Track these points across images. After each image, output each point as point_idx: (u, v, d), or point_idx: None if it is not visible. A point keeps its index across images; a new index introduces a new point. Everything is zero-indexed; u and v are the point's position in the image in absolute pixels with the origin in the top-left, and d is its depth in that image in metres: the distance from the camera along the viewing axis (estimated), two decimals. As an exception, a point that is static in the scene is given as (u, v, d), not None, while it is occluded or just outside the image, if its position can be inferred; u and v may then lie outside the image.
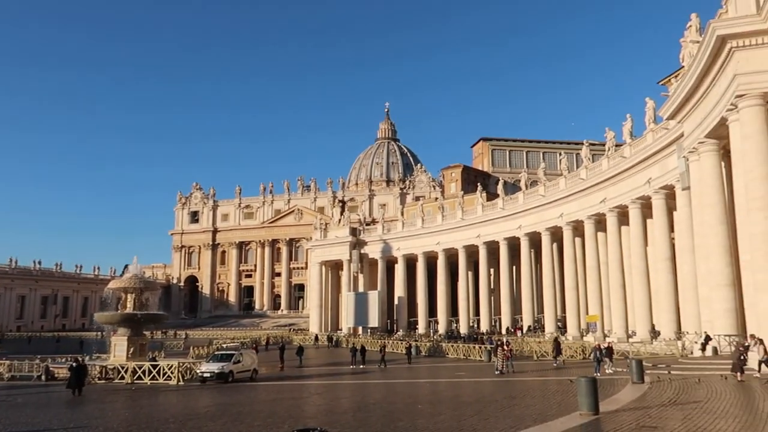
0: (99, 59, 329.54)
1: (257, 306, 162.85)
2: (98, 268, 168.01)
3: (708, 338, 37.57)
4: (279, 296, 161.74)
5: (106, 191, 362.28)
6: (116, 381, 39.48)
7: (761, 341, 28.65)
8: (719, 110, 34.44)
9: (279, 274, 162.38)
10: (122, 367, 40.11)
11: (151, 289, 48.88)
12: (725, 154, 37.32)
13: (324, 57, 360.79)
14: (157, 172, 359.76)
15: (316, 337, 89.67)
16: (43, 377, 42.07)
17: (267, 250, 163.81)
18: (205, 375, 38.25)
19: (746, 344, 29.38)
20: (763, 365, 27.78)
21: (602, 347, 38.55)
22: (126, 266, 69.89)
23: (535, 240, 78.20)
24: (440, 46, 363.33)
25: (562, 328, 73.29)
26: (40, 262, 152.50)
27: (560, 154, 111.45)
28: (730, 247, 36.82)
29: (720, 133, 36.25)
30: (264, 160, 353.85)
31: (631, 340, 54.57)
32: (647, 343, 50.95)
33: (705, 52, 33.47)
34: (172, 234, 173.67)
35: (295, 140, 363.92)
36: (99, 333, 48.50)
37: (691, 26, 38.66)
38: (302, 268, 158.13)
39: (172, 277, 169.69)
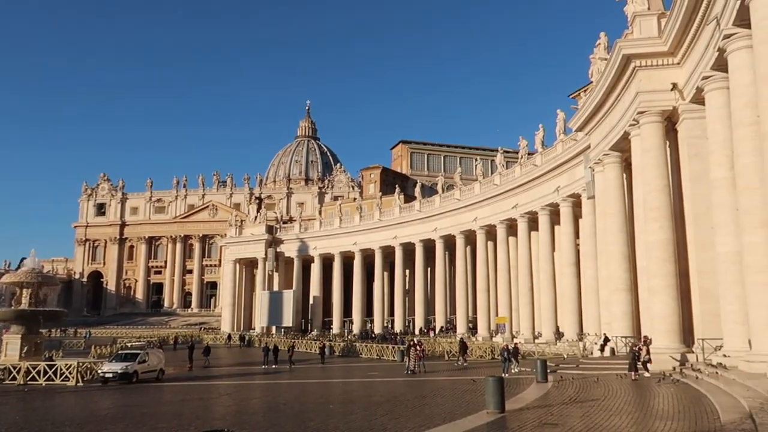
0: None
1: (166, 304, 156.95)
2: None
3: (607, 339, 39.84)
4: (190, 294, 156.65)
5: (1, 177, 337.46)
6: (7, 382, 36.76)
7: (646, 343, 30.87)
8: (623, 125, 36.67)
9: (191, 271, 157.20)
10: (14, 367, 37.44)
11: (49, 285, 45.90)
12: (627, 166, 39.77)
13: (245, 51, 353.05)
14: (61, 160, 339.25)
15: (229, 337, 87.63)
16: None
17: (179, 246, 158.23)
18: (107, 375, 36.36)
19: (639, 345, 31.39)
20: (645, 365, 29.80)
21: (509, 348, 40.00)
22: (23, 259, 65.68)
23: (449, 242, 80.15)
24: (363, 44, 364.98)
25: (473, 328, 75.54)
26: None
27: (476, 160, 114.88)
28: (628, 254, 39.28)
29: (623, 147, 38.61)
30: (178, 154, 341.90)
31: (537, 341, 57.12)
32: (552, 344, 53.46)
33: (611, 70, 35.55)
34: (75, 227, 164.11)
35: (212, 134, 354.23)
36: (-10, 331, 45.00)
37: (600, 44, 40.96)
38: (215, 265, 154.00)
39: (75, 272, 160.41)
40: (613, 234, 39.88)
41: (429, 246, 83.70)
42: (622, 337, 37.82)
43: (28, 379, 36.41)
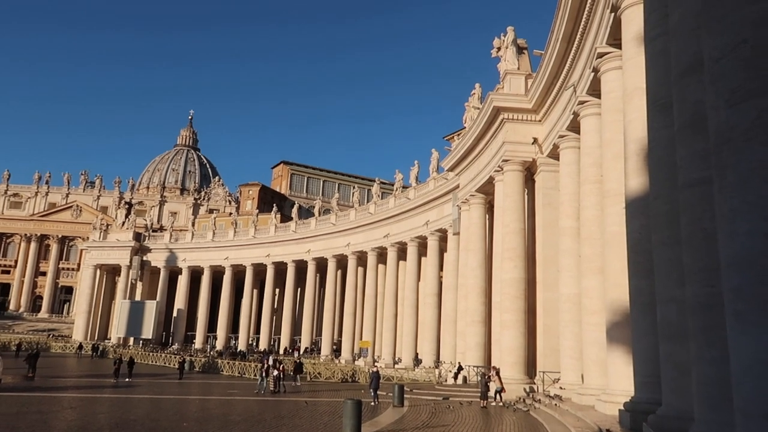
0: None
1: (12, 306, 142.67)
2: None
3: (460, 368, 42.33)
4: (41, 297, 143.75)
5: None
6: None
7: (498, 372, 33.31)
8: (489, 170, 39.81)
9: (44, 274, 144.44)
10: None
11: None
12: (490, 207, 43.02)
13: (130, 57, 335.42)
14: None
15: (80, 346, 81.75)
16: None
17: (33, 245, 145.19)
18: (-70, 382, 33.05)
19: (488, 375, 33.66)
20: (498, 394, 32.15)
21: (378, 372, 40.29)
22: None
23: (322, 265, 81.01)
24: (253, 64, 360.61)
25: (337, 351, 76.43)
26: None
27: (354, 188, 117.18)
28: (485, 289, 42.19)
29: (487, 189, 41.80)
30: (44, 148, 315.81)
31: (396, 366, 59.10)
32: (410, 370, 55.58)
33: (483, 118, 38.68)
34: None
35: (86, 138, 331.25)
36: None
37: (474, 94, 44.41)
38: (73, 269, 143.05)
39: None
40: (473, 269, 42.74)
41: (301, 267, 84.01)
42: (474, 366, 40.34)
43: None
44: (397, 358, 62.20)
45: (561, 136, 31.89)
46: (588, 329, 25.39)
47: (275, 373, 40.95)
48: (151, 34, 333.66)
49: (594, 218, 26.24)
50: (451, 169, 47.81)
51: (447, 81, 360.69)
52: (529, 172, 37.79)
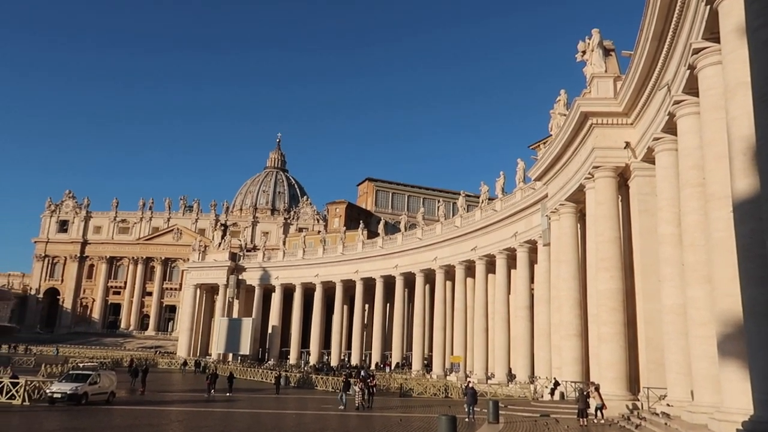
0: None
1: (123, 325, 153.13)
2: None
3: (557, 383, 40.87)
4: (148, 316, 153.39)
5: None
6: (-52, 398, 35.87)
7: (597, 388, 31.84)
8: (579, 177, 38.52)
9: (150, 294, 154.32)
10: (-43, 384, 36.52)
11: (3, 299, 45.39)
12: (581, 216, 41.57)
13: (220, 79, 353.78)
14: (25, 175, 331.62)
15: (185, 362, 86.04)
16: None
17: (140, 267, 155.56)
18: (56, 395, 35.63)
19: (587, 391, 32.25)
20: (599, 411, 30.73)
21: (473, 387, 39.33)
22: (-24, 273, 63.83)
23: (409, 280, 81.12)
24: (338, 81, 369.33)
25: (428, 366, 76.04)
26: None
27: (439, 202, 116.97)
28: (580, 300, 40.63)
29: (578, 198, 40.44)
30: (147, 177, 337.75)
31: (489, 381, 57.95)
32: (504, 385, 54.33)
33: (570, 125, 37.55)
34: (35, 242, 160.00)
35: (181, 159, 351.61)
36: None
37: (560, 100, 43.23)
38: (176, 289, 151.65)
39: (30, 288, 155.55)
40: (566, 281, 41.33)
41: (389, 282, 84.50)
42: (571, 381, 38.83)
43: (-30, 396, 35.51)
44: (489, 373, 61.02)
45: (656, 139, 30.46)
46: (696, 342, 24.00)
47: (357, 388, 40.91)
48: (240, 58, 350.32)
49: (697, 224, 24.85)
50: (539, 178, 46.69)
51: (530, 89, 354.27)
52: (622, 178, 36.30)
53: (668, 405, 26.85)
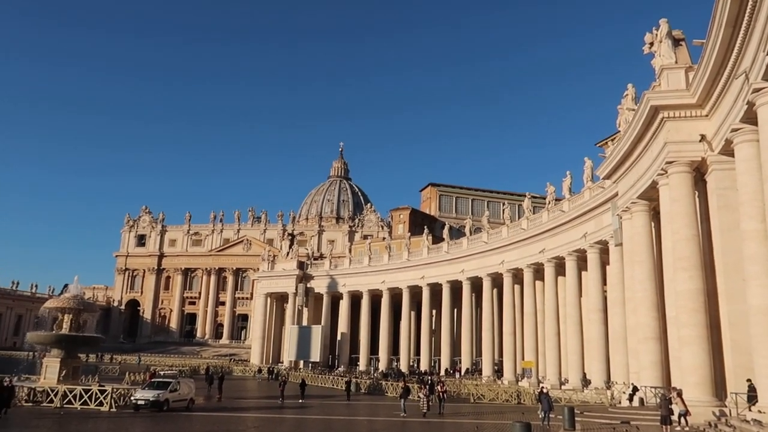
0: (58, 61, 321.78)
1: (199, 334, 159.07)
2: (36, 286, 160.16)
3: (635, 389, 39.30)
4: (222, 325, 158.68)
5: (50, 206, 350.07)
6: (44, 404, 38.19)
7: (680, 394, 30.38)
8: (651, 174, 37.07)
9: (223, 303, 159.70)
10: (52, 390, 38.85)
11: (89, 311, 47.62)
12: (655, 214, 39.95)
13: (284, 94, 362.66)
14: (105, 192, 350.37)
15: (259, 370, 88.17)
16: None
17: (213, 278, 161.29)
18: (140, 402, 37.43)
19: (669, 397, 30.83)
20: (682, 418, 29.31)
21: (547, 392, 38.37)
22: (66, 285, 67.76)
23: (476, 284, 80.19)
24: (396, 92, 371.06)
25: (498, 371, 74.87)
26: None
27: (503, 204, 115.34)
28: (657, 302, 39.00)
29: (651, 195, 38.90)
30: (216, 190, 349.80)
31: (563, 387, 56.40)
32: (579, 391, 52.79)
33: (639, 120, 36.21)
34: (116, 256, 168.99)
35: (248, 172, 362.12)
36: (31, 353, 46.55)
37: (627, 95, 41.77)
38: (247, 298, 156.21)
39: (113, 300, 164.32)
40: (641, 282, 39.81)
41: (456, 287, 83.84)
42: (651, 387, 37.31)
43: (64, 402, 37.68)
44: (563, 379, 59.41)
45: (734, 130, 28.96)
46: (790, 345, 22.52)
47: (422, 394, 40.76)
48: (302, 66, 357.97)
49: (785, 219, 23.42)
50: (608, 176, 45.22)
51: (594, 86, 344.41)
52: (699, 173, 34.69)
53: (760, 411, 25.43)
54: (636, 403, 38.27)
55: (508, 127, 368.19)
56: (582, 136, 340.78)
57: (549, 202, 65.41)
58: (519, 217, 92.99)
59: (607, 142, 62.49)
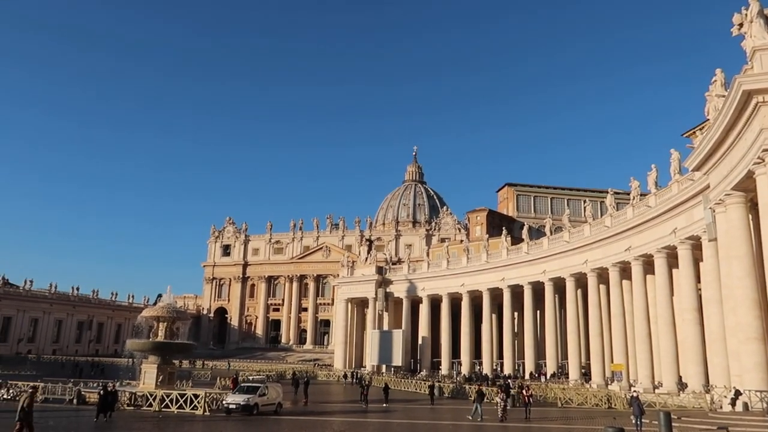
0: (142, 91, 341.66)
1: (283, 340, 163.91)
2: (132, 296, 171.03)
3: (738, 393, 36.95)
4: (305, 331, 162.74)
5: (144, 220, 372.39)
6: (144, 408, 40.40)
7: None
8: (746, 163, 34.77)
9: (306, 309, 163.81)
10: (151, 395, 41.08)
11: (182, 319, 50.09)
12: (753, 206, 37.44)
13: (356, 100, 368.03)
14: (192, 204, 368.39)
15: (344, 375, 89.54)
16: (74, 401, 43.23)
17: (295, 285, 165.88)
18: (231, 406, 38.95)
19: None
20: None
21: (638, 397, 36.59)
22: (160, 295, 71.78)
23: (559, 285, 77.93)
24: (469, 93, 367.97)
25: (586, 375, 72.38)
26: (77, 288, 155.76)
27: (585, 202, 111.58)
28: (759, 300, 36.47)
29: (747, 186, 36.47)
30: (294, 198, 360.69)
31: (657, 391, 53.73)
32: (674, 395, 50.15)
33: (731, 107, 34.07)
34: (204, 266, 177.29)
35: (325, 180, 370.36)
36: (130, 359, 49.52)
37: (716, 81, 39.40)
38: (328, 304, 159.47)
39: (203, 308, 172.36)
40: (739, 278, 37.35)
41: (538, 288, 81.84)
42: (756, 391, 34.90)
43: (162, 406, 39.75)
44: (656, 382, 56.58)
45: (840, 112, 26.69)
46: None
47: (499, 399, 40.01)
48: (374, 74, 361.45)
49: None
50: (697, 168, 42.76)
51: (678, 74, 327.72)
52: (801, 160, 32.16)
53: None
54: (739, 408, 35.91)
55: (586, 121, 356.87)
56: (665, 128, 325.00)
57: (634, 198, 62.62)
58: (601, 215, 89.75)
59: (695, 132, 59.20)
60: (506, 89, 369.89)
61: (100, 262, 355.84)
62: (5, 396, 44.45)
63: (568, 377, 72.55)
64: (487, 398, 52.99)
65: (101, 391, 36.18)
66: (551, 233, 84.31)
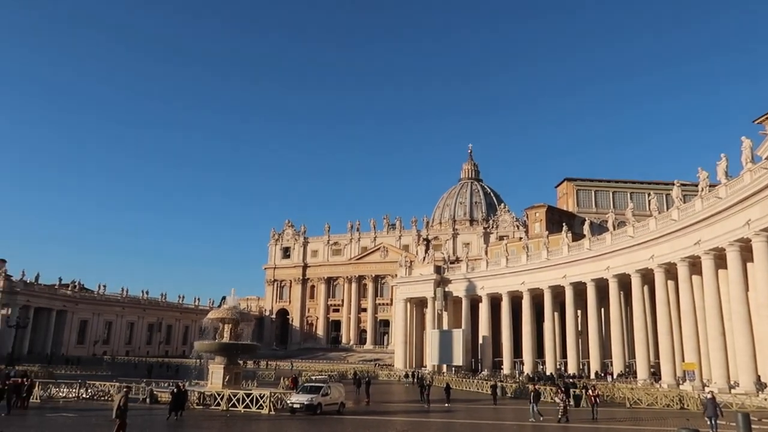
0: (211, 99, 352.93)
1: (344, 340, 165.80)
2: (198, 299, 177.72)
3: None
4: (365, 331, 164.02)
5: (208, 224, 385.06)
6: (212, 407, 41.61)
7: None
8: (825, 150, 32.83)
9: (365, 310, 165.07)
10: (218, 394, 42.30)
11: (246, 321, 51.32)
12: (834, 195, 35.29)
13: (412, 100, 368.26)
14: (254, 208, 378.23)
15: (406, 374, 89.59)
16: (147, 400, 45.01)
17: (354, 285, 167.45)
18: (295, 406, 39.68)
19: None
20: None
21: (715, 399, 34.79)
22: (224, 298, 73.87)
23: (624, 282, 75.46)
24: (524, 88, 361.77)
25: (655, 374, 69.83)
26: (147, 292, 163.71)
27: (649, 195, 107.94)
28: (843, 294, 34.42)
29: (827, 174, 34.43)
30: (351, 199, 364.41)
31: (733, 391, 51.28)
32: (752, 396, 47.76)
33: (807, 91, 32.21)
34: (265, 268, 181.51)
35: (381, 180, 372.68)
36: (198, 360, 51.16)
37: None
38: (387, 304, 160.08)
39: (265, 310, 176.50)
40: (821, 272, 35.29)
41: (601, 285, 79.45)
42: (842, 390, 32.89)
43: (229, 405, 40.88)
44: (732, 382, 53.97)
45: None
46: None
47: (558, 399, 39.17)
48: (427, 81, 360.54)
49: None
50: (772, 156, 40.69)
51: (740, 58, 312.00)
52: None
53: None
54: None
55: (646, 110, 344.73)
56: (735, 115, 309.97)
57: (702, 189, 59.83)
58: (667, 208, 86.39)
59: (767, 119, 56.14)
60: (562, 85, 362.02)
61: (168, 264, 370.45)
62: (84, 395, 46.65)
63: (636, 377, 70.18)
64: (549, 398, 52.05)
65: (174, 391, 37.48)
66: (614, 228, 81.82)
